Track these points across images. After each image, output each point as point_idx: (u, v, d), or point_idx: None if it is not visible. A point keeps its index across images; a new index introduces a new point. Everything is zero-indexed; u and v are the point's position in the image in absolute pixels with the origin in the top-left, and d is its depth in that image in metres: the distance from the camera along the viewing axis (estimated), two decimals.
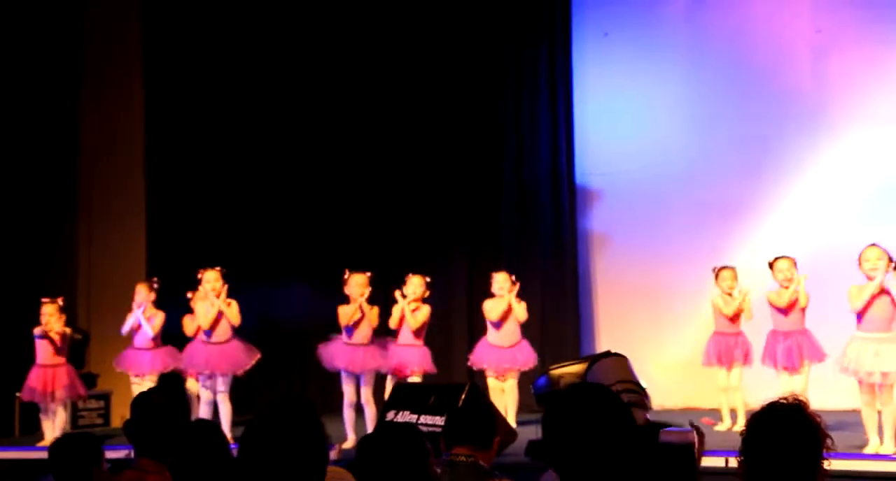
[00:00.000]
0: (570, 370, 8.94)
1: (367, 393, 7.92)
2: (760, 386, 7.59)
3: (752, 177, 9.80)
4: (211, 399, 8.18)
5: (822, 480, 2.60)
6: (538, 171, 10.32)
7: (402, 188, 10.47)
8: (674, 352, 8.73)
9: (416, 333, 8.24)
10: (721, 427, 8.11)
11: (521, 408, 8.39)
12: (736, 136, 9.88)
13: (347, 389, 7.99)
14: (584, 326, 10.36)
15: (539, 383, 8.70)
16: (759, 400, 2.77)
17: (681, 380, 9.25)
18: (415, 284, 8.26)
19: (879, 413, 6.84)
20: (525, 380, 8.20)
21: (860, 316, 6.83)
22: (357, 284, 8.04)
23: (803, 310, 7.63)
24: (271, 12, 10.54)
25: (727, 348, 8.20)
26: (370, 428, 7.71)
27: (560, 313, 10.06)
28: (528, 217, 10.29)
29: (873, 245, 6.89)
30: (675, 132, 10.06)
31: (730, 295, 8.22)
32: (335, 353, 8.03)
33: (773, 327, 7.70)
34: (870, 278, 6.82)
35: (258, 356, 8.27)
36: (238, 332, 8.26)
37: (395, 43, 10.48)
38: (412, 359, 8.20)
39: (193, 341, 8.34)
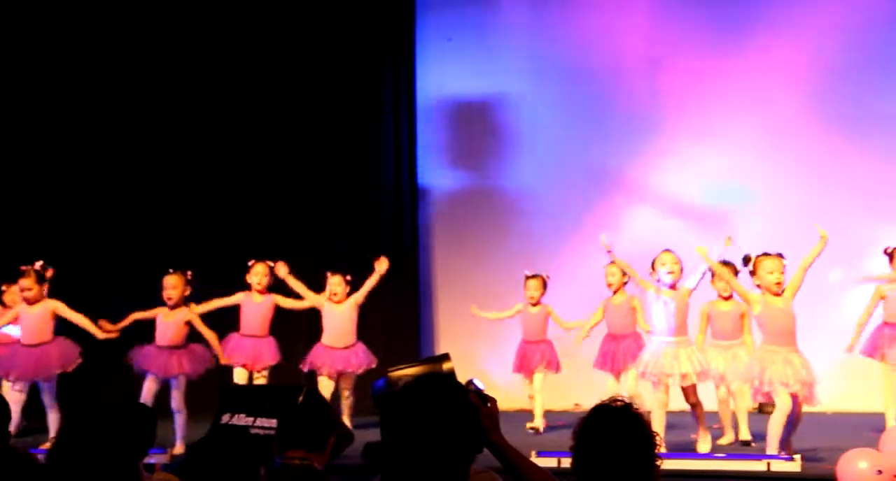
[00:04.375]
0: (409, 372, 8.95)
1: (177, 399, 7.71)
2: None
3: (588, 182, 10.07)
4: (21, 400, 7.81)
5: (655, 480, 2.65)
6: (381, 174, 10.32)
7: (244, 189, 10.24)
8: (508, 354, 8.85)
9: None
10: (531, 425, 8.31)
11: (359, 411, 8.36)
12: (572, 143, 10.13)
13: (148, 389, 7.74)
14: (425, 328, 10.41)
15: (377, 385, 8.67)
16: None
17: (518, 382, 9.38)
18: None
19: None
20: (363, 383, 8.18)
21: (655, 320, 7.11)
22: (169, 286, 7.81)
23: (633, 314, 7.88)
24: (115, 9, 10.16)
25: (528, 355, 8.42)
26: (179, 435, 7.55)
27: (400, 315, 10.07)
28: (371, 219, 10.27)
29: (668, 250, 7.17)
30: (515, 136, 10.26)
31: (534, 304, 8.42)
32: (145, 357, 7.79)
33: (608, 331, 7.93)
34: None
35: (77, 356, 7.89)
36: (61, 332, 7.90)
37: (239, 44, 10.23)
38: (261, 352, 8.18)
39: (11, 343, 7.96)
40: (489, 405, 2.58)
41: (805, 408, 6.77)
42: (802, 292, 6.75)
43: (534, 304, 8.48)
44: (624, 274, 7.87)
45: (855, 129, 9.48)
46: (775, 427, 6.59)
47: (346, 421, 8.04)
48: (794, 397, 6.52)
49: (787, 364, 6.51)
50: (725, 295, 7.42)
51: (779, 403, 6.55)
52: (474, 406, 2.47)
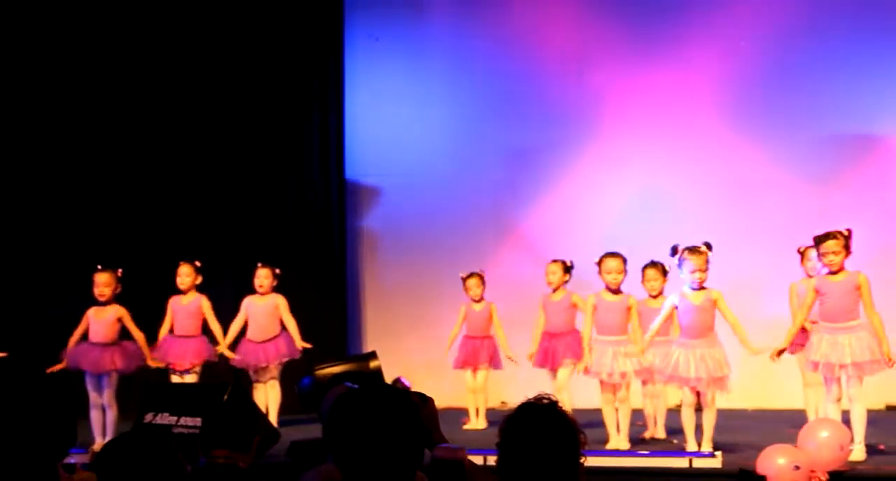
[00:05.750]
0: (335, 370, 8.93)
1: (108, 395, 7.68)
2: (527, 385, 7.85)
3: (515, 183, 10.15)
4: None
5: (581, 478, 2.67)
6: (309, 172, 10.26)
7: (174, 187, 10.08)
8: (438, 352, 8.88)
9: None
10: (469, 426, 8.39)
11: (285, 409, 8.31)
12: (500, 143, 10.20)
13: (91, 390, 7.73)
14: (352, 326, 10.38)
15: (303, 383, 8.63)
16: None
17: (445, 380, 9.40)
18: (261, 276, 8.31)
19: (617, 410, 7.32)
20: (289, 382, 8.15)
21: (597, 322, 7.37)
22: (101, 283, 7.84)
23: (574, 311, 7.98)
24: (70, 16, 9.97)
25: (474, 350, 8.44)
26: (110, 432, 7.51)
27: (328, 312, 10.03)
28: (299, 217, 10.19)
29: (612, 255, 7.30)
30: (443, 136, 10.29)
31: (478, 301, 8.52)
32: (78, 354, 7.74)
33: (545, 329, 8.01)
34: (606, 283, 7.34)
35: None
36: None
37: (168, 42, 10.06)
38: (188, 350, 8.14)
39: None
40: (428, 404, 2.59)
41: (726, 405, 6.92)
42: (722, 288, 6.96)
43: (477, 301, 8.53)
44: (565, 273, 7.95)
45: (767, 135, 9.66)
46: (687, 421, 6.79)
47: (273, 419, 8.00)
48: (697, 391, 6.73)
49: (696, 358, 6.70)
50: (654, 294, 7.53)
51: (684, 398, 6.75)
52: (416, 405, 2.48)
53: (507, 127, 10.21)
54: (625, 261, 7.39)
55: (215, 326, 8.30)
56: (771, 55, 9.64)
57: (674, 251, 6.95)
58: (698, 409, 6.95)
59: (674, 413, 7.56)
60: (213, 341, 8.33)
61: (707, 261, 6.84)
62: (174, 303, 8.33)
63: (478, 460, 3.07)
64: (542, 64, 10.13)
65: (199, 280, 8.34)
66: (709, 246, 6.90)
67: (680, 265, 6.90)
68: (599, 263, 7.40)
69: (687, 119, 9.79)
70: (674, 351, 6.87)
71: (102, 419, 7.74)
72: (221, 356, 8.36)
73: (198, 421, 6.10)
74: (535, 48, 10.14)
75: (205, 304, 8.30)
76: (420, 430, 2.42)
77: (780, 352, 6.86)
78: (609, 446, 7.17)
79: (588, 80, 10.05)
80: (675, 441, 7.35)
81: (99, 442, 7.50)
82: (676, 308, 6.89)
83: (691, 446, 6.83)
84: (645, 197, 9.77)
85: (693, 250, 6.85)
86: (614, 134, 9.89)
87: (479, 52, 10.30)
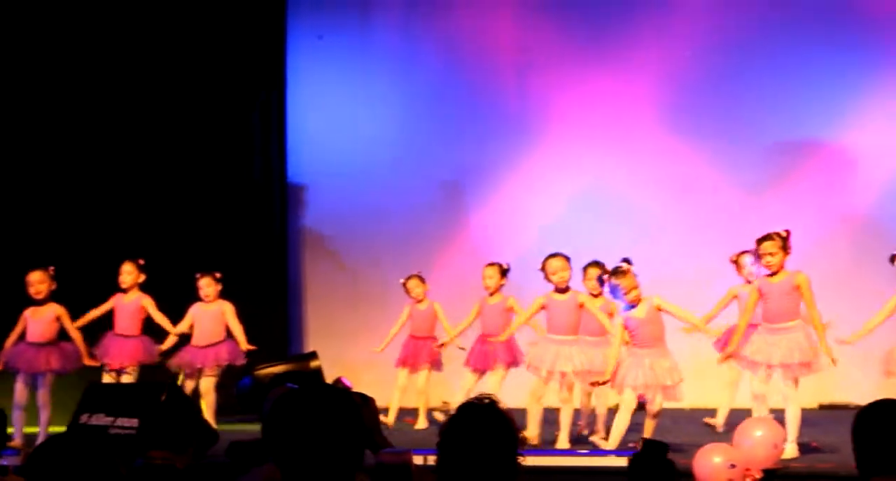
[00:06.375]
0: (275, 370, 8.89)
1: (43, 396, 7.61)
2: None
3: (459, 185, 10.18)
4: None
5: (518, 477, 2.69)
6: (251, 172, 10.19)
7: (115, 187, 9.93)
8: (381, 352, 8.88)
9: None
10: (386, 419, 8.35)
11: (224, 410, 8.25)
12: (444, 145, 10.23)
13: (20, 391, 7.62)
14: (294, 326, 10.33)
15: (243, 383, 8.57)
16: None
17: (387, 380, 9.39)
18: (204, 285, 8.30)
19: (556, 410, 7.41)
20: (229, 382, 8.09)
21: (548, 321, 7.43)
22: (35, 282, 7.80)
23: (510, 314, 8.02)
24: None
25: (416, 350, 8.46)
26: (42, 433, 7.42)
27: (269, 313, 9.97)
28: (240, 218, 10.10)
29: (556, 256, 7.36)
30: (387, 137, 10.28)
31: (421, 301, 8.56)
32: (14, 354, 7.64)
33: (482, 331, 8.05)
34: (554, 284, 7.36)
35: None
36: None
37: (106, 39, 9.91)
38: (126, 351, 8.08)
39: None
40: (369, 405, 2.59)
41: (664, 405, 7.00)
42: (664, 291, 7.04)
43: (420, 301, 8.56)
44: (501, 276, 7.98)
45: (709, 140, 9.79)
46: (622, 425, 6.88)
47: (210, 419, 7.94)
48: (642, 397, 6.81)
49: (640, 367, 6.79)
50: (595, 293, 7.61)
51: (623, 401, 6.85)
52: (358, 405, 2.48)
53: (450, 129, 10.23)
54: (568, 259, 7.44)
55: (162, 321, 8.22)
56: (714, 62, 9.77)
57: (601, 282, 7.07)
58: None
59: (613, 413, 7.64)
60: (159, 340, 8.27)
61: (635, 276, 6.93)
62: (116, 301, 8.25)
63: (418, 460, 3.08)
64: (485, 67, 10.17)
65: (142, 278, 8.28)
66: (628, 261, 6.98)
67: (613, 292, 6.97)
68: (543, 267, 7.44)
69: (630, 123, 9.88)
70: (624, 359, 6.94)
71: (24, 420, 7.67)
72: (162, 356, 8.28)
73: (135, 421, 6.04)
74: (479, 51, 10.18)
75: (147, 303, 8.23)
76: (361, 430, 2.43)
77: (729, 356, 6.98)
78: (559, 445, 7.23)
79: (532, 83, 10.12)
80: (584, 432, 7.46)
81: (17, 442, 7.42)
82: (626, 327, 6.97)
83: (612, 445, 6.93)
84: (588, 199, 9.85)
85: (617, 273, 6.94)
86: (557, 137, 9.96)
87: (424, 54, 10.31)
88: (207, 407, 8.16)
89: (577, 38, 10.00)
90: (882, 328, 6.98)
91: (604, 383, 6.91)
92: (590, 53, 9.93)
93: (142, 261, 8.31)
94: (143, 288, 8.36)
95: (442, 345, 8.36)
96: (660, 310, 6.94)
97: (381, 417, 8.17)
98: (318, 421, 2.37)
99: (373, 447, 2.78)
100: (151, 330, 8.42)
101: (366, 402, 2.64)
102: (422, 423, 8.44)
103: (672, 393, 6.90)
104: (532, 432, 7.28)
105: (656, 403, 6.88)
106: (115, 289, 8.36)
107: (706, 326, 7.07)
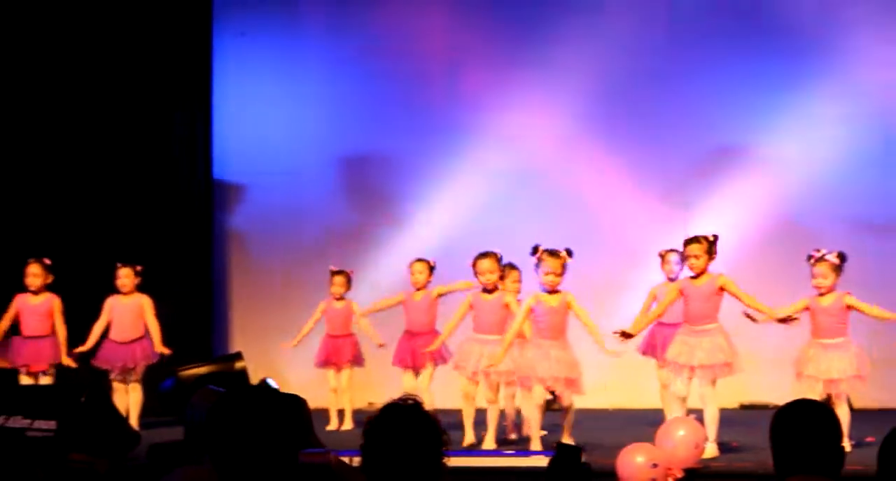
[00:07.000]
0: (198, 371, 8.78)
1: None
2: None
3: (387, 184, 10.18)
4: None
5: (442, 478, 2.70)
6: (176, 171, 10.05)
7: (36, 185, 9.74)
8: (306, 353, 8.83)
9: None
10: (331, 427, 8.34)
11: (146, 411, 8.14)
12: (371, 144, 10.21)
13: None
14: (219, 326, 10.23)
15: (165, 384, 8.45)
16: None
17: (312, 381, 9.36)
18: (122, 275, 8.19)
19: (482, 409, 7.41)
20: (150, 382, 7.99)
21: (475, 320, 7.43)
22: None
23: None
24: None
25: (336, 349, 8.43)
26: None
27: (194, 313, 9.86)
28: (165, 216, 9.96)
29: (486, 255, 7.38)
30: (315, 136, 10.24)
31: (339, 299, 8.51)
32: None
33: (406, 328, 8.04)
34: (482, 284, 7.37)
35: None
36: None
37: (33, 39, 9.71)
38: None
39: None
40: (302, 406, 2.58)
41: (587, 405, 7.08)
42: (584, 292, 7.11)
43: (338, 299, 8.51)
44: (430, 273, 7.99)
45: (635, 142, 9.89)
46: (532, 419, 6.91)
47: (133, 422, 7.83)
48: (551, 390, 6.89)
49: (546, 359, 6.84)
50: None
51: (532, 396, 6.90)
52: (300, 406, 2.47)
53: (378, 128, 10.22)
54: (498, 260, 7.46)
55: (61, 329, 8.09)
56: (640, 64, 9.86)
57: (534, 250, 7.08)
58: (549, 409, 7.11)
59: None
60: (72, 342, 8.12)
61: (564, 267, 6.98)
62: (21, 302, 8.07)
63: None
64: (412, 67, 10.17)
65: (51, 279, 8.12)
66: (569, 252, 7.03)
67: (537, 266, 7.02)
68: (474, 264, 7.46)
69: (556, 124, 9.95)
70: (528, 351, 6.99)
71: None
72: (77, 357, 8.12)
73: (53, 424, 5.93)
74: (406, 51, 10.18)
75: (56, 305, 8.09)
76: (302, 431, 2.43)
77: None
78: (464, 444, 7.26)
79: (461, 83, 10.14)
80: (514, 436, 7.49)
81: None
82: (533, 310, 7.01)
83: (536, 445, 6.97)
84: (517, 199, 9.89)
85: (552, 253, 7.00)
86: (486, 137, 9.99)
87: (351, 52, 10.27)
88: (130, 409, 8.04)
89: (508, 37, 10.04)
90: (795, 331, 7.12)
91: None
92: (520, 53, 9.98)
93: (48, 261, 8.13)
94: (62, 287, 8.19)
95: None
96: (569, 307, 6.98)
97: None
98: (259, 422, 2.37)
99: (313, 447, 2.77)
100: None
101: (299, 404, 2.64)
102: (347, 424, 8.40)
103: (576, 387, 6.94)
104: (468, 433, 7.29)
105: (566, 396, 6.93)
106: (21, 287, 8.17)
107: (603, 344, 7.04)
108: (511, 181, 9.95)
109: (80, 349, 8.11)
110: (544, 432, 7.10)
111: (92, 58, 9.82)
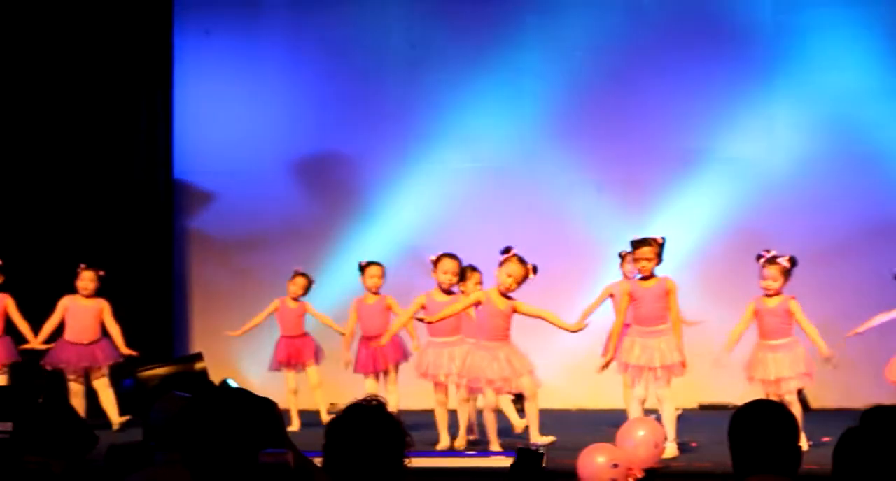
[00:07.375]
0: (158, 371, 8.72)
1: None
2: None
3: (348, 185, 10.17)
4: None
5: (404, 479, 2.70)
6: (135, 172, 9.97)
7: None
8: (264, 353, 8.80)
9: None
10: (292, 428, 8.30)
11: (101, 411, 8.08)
12: (332, 144, 10.20)
13: None
14: (179, 327, 10.17)
15: (125, 384, 8.39)
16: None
17: (274, 383, 9.32)
18: (85, 278, 8.14)
19: (453, 411, 7.40)
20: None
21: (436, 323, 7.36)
22: None
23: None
24: None
25: (296, 350, 8.42)
26: None
27: (154, 313, 9.79)
28: (124, 217, 9.88)
29: (448, 256, 7.38)
30: (276, 136, 10.20)
31: (295, 300, 8.52)
32: None
33: (363, 333, 8.03)
34: (441, 283, 7.36)
35: None
36: None
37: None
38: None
39: None
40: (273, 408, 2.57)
41: (550, 405, 7.10)
42: (541, 295, 7.12)
43: (295, 299, 8.50)
44: (381, 277, 7.98)
45: (595, 143, 9.95)
46: (488, 422, 6.93)
47: (113, 417, 7.80)
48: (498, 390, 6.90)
49: (495, 360, 6.84)
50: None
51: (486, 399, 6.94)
52: (272, 407, 2.46)
53: (339, 128, 10.21)
54: (460, 263, 7.45)
55: (22, 325, 8.03)
56: (603, 65, 9.91)
57: (506, 250, 7.03)
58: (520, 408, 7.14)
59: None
60: (20, 340, 8.04)
61: (525, 278, 6.93)
62: None
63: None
64: (374, 66, 10.17)
65: (1, 279, 8.07)
66: (535, 269, 7.00)
67: (501, 264, 6.96)
68: (436, 262, 7.41)
69: (517, 124, 9.97)
70: (475, 355, 6.95)
71: None
72: (31, 356, 8.05)
73: (8, 425, 5.85)
74: (367, 50, 10.17)
75: (9, 303, 8.03)
76: (277, 432, 2.42)
77: (608, 363, 7.11)
78: (439, 447, 7.23)
79: (420, 82, 10.14)
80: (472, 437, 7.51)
81: None
82: (477, 308, 6.99)
83: (495, 446, 6.98)
84: (476, 200, 9.91)
85: (521, 260, 6.95)
86: (444, 137, 10.01)
87: (312, 52, 10.26)
88: (107, 403, 7.95)
89: (469, 36, 10.05)
90: (751, 331, 7.19)
91: None
92: (481, 52, 10.00)
93: (0, 262, 8.07)
94: (16, 286, 8.11)
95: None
96: (515, 311, 6.95)
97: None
98: (238, 425, 2.35)
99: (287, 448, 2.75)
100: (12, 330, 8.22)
101: (270, 407, 2.62)
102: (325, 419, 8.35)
103: (533, 378, 6.94)
104: (443, 436, 7.28)
105: (526, 387, 6.90)
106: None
107: (566, 324, 7.07)
108: (472, 180, 9.97)
109: (30, 345, 8.04)
110: (552, 438, 7.01)
111: (52, 57, 9.71)
